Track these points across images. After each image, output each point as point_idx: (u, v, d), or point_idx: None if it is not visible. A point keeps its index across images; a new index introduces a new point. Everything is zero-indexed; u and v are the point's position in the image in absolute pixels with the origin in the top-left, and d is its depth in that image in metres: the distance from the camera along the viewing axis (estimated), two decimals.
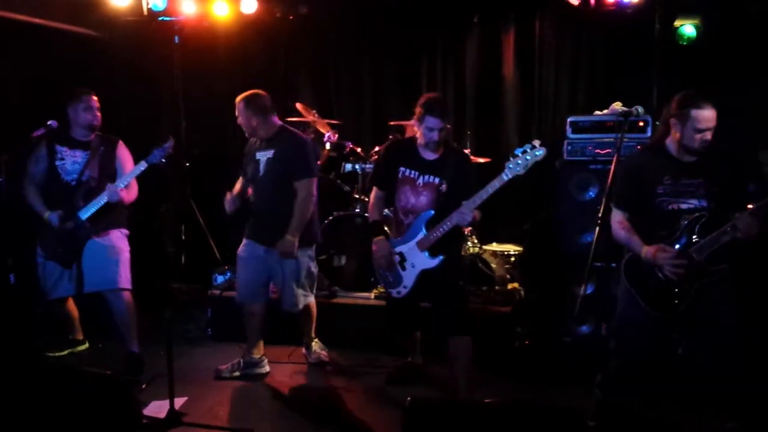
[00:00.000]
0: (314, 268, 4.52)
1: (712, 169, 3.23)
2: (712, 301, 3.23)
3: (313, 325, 4.75)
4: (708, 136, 3.20)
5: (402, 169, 3.95)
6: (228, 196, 4.39)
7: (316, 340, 4.78)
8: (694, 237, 3.20)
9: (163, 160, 4.25)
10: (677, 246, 3.22)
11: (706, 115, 3.18)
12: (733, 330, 3.24)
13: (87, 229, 4.25)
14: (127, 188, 4.32)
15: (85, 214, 4.24)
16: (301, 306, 4.43)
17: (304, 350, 4.76)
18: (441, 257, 3.80)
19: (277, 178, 4.24)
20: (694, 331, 3.39)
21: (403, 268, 3.92)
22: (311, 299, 4.57)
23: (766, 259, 4.17)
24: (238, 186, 4.48)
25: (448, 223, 3.70)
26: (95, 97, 4.40)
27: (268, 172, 4.27)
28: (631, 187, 3.36)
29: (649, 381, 3.84)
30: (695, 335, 3.41)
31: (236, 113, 4.32)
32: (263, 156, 4.30)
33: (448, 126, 3.95)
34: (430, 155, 3.92)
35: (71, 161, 4.32)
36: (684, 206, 3.25)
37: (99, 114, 4.39)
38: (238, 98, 4.32)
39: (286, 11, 6.44)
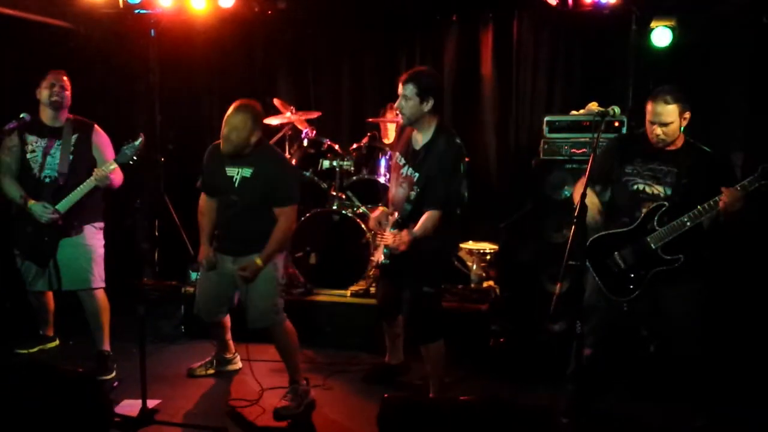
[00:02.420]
0: (281, 279, 4.00)
1: (687, 161, 3.28)
2: (670, 297, 3.31)
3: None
4: (658, 131, 3.25)
5: (398, 153, 3.87)
6: (201, 259, 4.03)
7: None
8: (654, 225, 3.27)
9: (134, 159, 4.08)
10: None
11: (654, 109, 3.24)
12: (688, 329, 3.33)
13: (59, 227, 4.13)
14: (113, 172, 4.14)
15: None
16: (265, 324, 3.93)
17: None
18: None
19: (255, 201, 3.79)
20: (658, 326, 3.47)
21: None
22: (279, 320, 3.97)
23: (729, 253, 4.24)
24: (203, 252, 4.04)
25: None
26: (65, 78, 4.22)
27: (245, 194, 3.79)
28: (603, 162, 3.44)
29: (619, 376, 3.89)
30: (662, 331, 3.48)
31: (233, 124, 3.68)
32: (237, 173, 3.80)
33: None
34: (418, 142, 3.73)
35: (41, 152, 4.18)
36: (648, 189, 3.31)
37: (67, 93, 4.21)
38: (241, 108, 3.71)
39: (265, 6, 6.38)
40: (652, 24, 5.40)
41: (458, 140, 3.70)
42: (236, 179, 3.81)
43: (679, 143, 3.34)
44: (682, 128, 3.32)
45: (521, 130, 6.25)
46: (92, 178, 4.08)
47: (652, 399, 3.99)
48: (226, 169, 3.84)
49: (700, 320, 3.37)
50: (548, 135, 5.08)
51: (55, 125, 4.23)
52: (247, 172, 3.79)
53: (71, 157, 4.19)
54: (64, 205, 4.11)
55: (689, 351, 3.36)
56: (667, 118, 3.23)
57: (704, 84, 5.42)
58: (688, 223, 3.18)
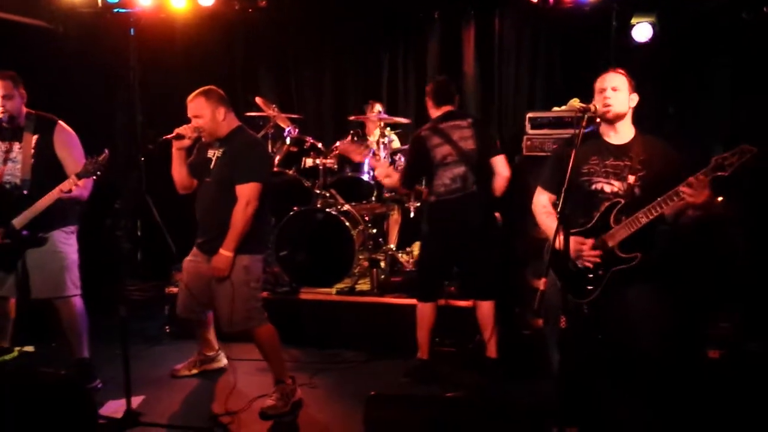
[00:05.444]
0: (254, 283, 3.90)
1: (640, 154, 3.21)
2: (629, 297, 3.18)
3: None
4: (608, 93, 3.19)
5: None
6: None
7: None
8: (610, 223, 3.18)
9: (98, 174, 3.80)
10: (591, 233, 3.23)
11: (603, 78, 3.23)
12: (647, 330, 3.19)
13: (23, 237, 3.88)
14: (79, 184, 3.86)
15: (20, 222, 3.86)
16: (240, 328, 3.89)
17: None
18: None
19: (222, 180, 3.81)
20: (618, 328, 3.35)
21: None
22: (255, 324, 3.89)
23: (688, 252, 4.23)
24: None
25: None
26: (4, 82, 3.86)
27: (215, 173, 3.85)
28: (558, 168, 3.29)
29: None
30: (621, 333, 3.38)
31: (193, 113, 3.82)
32: (214, 155, 3.89)
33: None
34: None
35: (2, 158, 3.92)
36: (607, 188, 3.22)
37: (13, 101, 3.88)
38: (193, 95, 3.84)
39: (245, 4, 6.36)
40: (633, 20, 5.46)
41: None
42: (212, 161, 3.90)
43: (631, 134, 3.28)
44: (629, 110, 3.24)
45: (504, 127, 6.28)
46: (55, 191, 3.81)
47: None
48: (209, 150, 3.95)
49: (661, 321, 3.22)
50: (530, 131, 5.10)
51: (14, 126, 3.96)
52: (220, 152, 3.89)
53: (33, 161, 3.94)
54: (20, 220, 3.86)
55: (648, 352, 3.19)
56: (617, 82, 3.20)
57: (684, 79, 5.48)
58: (643, 219, 3.07)
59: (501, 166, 4.36)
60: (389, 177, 4.57)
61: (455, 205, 4.27)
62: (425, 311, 4.38)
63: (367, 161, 5.49)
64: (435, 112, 4.44)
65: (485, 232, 4.35)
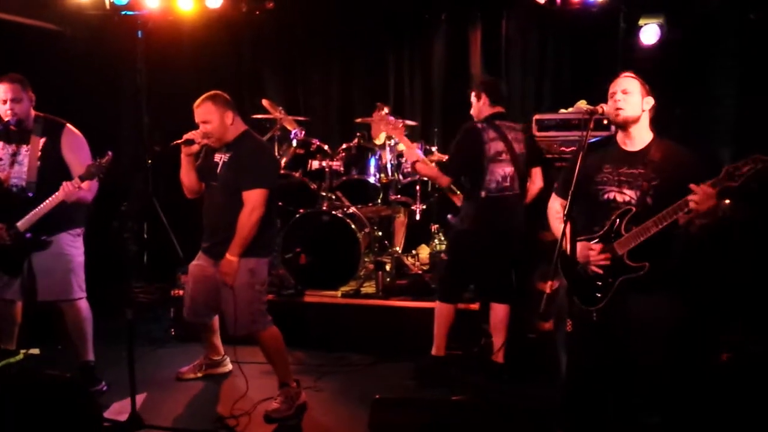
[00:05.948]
0: (259, 286, 3.89)
1: (654, 161, 3.15)
2: (636, 306, 3.13)
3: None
4: (618, 96, 3.14)
5: None
6: None
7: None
8: (621, 231, 3.13)
9: (102, 176, 3.80)
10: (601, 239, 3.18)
11: (615, 82, 3.19)
12: (651, 338, 3.15)
13: (27, 240, 3.87)
14: (83, 187, 3.81)
15: (24, 224, 3.82)
16: (245, 331, 3.86)
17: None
18: None
19: (228, 185, 3.80)
20: (618, 336, 3.31)
21: None
22: (260, 326, 3.89)
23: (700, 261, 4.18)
24: None
25: None
26: (13, 85, 3.85)
27: (221, 179, 3.84)
28: (573, 175, 3.23)
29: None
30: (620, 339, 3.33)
31: (201, 119, 3.79)
32: (221, 159, 3.87)
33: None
34: None
35: (9, 161, 3.92)
36: (619, 197, 3.17)
37: (22, 104, 3.86)
38: (200, 100, 3.81)
39: (253, 6, 6.37)
40: (640, 21, 5.43)
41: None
42: (219, 165, 3.88)
43: (647, 139, 3.20)
44: (644, 114, 3.16)
45: None
46: (59, 194, 3.78)
47: None
48: (216, 154, 3.92)
49: (669, 331, 3.18)
50: (537, 133, 5.07)
51: (22, 128, 3.95)
52: (227, 156, 3.86)
53: (39, 163, 3.92)
54: (24, 223, 3.83)
55: (656, 361, 3.16)
56: (628, 86, 3.14)
57: (693, 80, 5.44)
58: (653, 228, 3.01)
59: (538, 176, 4.54)
60: (423, 163, 4.56)
61: (505, 203, 4.32)
62: (445, 311, 4.39)
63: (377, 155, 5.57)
64: (487, 110, 4.42)
65: (518, 236, 4.41)
